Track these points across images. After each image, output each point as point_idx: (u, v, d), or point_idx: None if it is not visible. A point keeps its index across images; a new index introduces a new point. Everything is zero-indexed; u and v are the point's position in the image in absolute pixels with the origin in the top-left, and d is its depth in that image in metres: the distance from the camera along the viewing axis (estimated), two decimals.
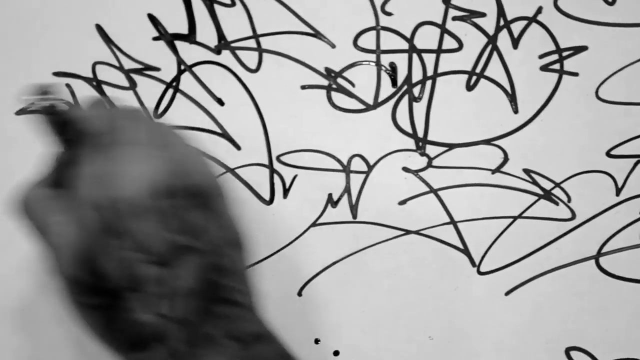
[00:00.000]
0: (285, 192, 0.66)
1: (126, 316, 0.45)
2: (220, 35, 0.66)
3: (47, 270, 0.48)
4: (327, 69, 0.66)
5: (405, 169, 0.67)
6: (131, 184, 0.45)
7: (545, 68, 0.66)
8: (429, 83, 0.66)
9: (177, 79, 0.66)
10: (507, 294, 0.64)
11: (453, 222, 0.66)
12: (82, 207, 0.45)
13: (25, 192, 0.50)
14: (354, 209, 0.66)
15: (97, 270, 0.45)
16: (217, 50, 0.67)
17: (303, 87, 0.66)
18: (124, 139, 0.48)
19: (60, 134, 0.49)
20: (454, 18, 0.66)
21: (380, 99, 0.66)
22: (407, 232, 0.66)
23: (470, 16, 0.66)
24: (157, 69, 0.66)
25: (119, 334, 0.46)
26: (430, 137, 0.67)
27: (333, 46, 0.66)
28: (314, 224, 0.66)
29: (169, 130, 0.52)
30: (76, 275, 0.46)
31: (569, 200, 0.66)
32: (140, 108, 0.61)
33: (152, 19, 0.66)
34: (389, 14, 0.66)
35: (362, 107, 0.66)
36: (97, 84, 0.65)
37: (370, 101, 0.66)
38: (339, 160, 0.66)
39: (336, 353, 0.62)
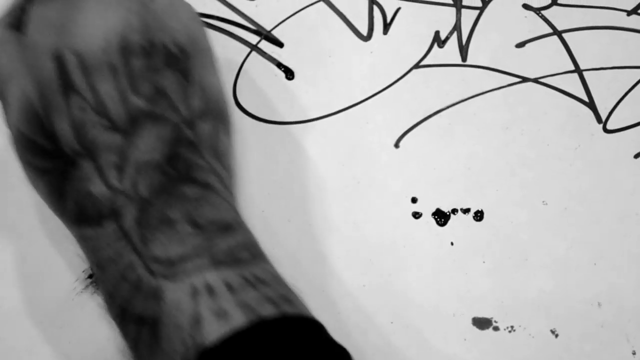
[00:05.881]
0: (386, 26, 0.59)
1: (77, 185, 0.40)
2: None
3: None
4: None
5: (526, 6, 0.59)
6: (94, 35, 0.39)
7: None
8: None
9: None
10: (636, 156, 0.55)
11: (578, 70, 0.58)
12: (37, 54, 0.40)
13: None
14: (463, 50, 0.59)
15: (49, 129, 0.39)
16: None
17: None
18: None
19: None
20: None
21: None
22: (525, 79, 0.58)
23: None
24: None
25: (69, 205, 0.40)
26: None
27: None
28: (416, 66, 0.58)
29: None
30: (26, 133, 0.40)
31: None
32: None
33: None
34: None
35: None
36: None
37: None
38: None
39: (437, 213, 0.54)
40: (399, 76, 0.58)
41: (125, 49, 0.39)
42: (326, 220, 0.54)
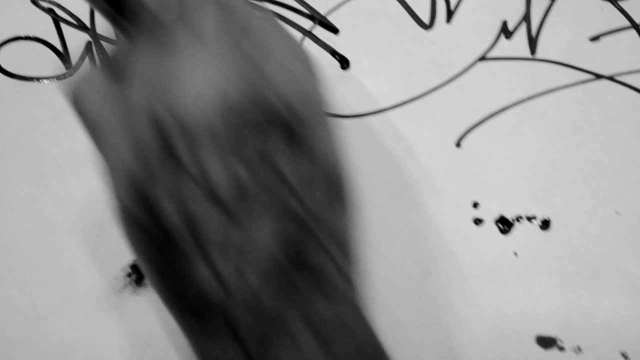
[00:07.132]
0: (450, 15, 0.56)
1: (179, 267, 0.35)
2: None
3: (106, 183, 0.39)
4: None
5: None
6: (194, 95, 0.34)
7: None
8: None
9: None
10: None
11: None
12: (136, 115, 0.35)
13: (79, 77, 0.39)
14: (533, 42, 0.55)
15: (150, 202, 0.35)
16: None
17: None
18: (193, 28, 0.36)
19: (111, 17, 0.38)
20: None
21: None
22: (599, 76, 0.54)
23: None
24: None
25: (172, 288, 0.36)
26: None
27: None
28: (482, 58, 0.55)
29: (262, 19, 0.39)
30: (127, 203, 0.36)
31: None
32: None
33: None
34: None
35: None
36: None
37: None
38: None
39: (500, 220, 0.51)
40: (462, 69, 0.55)
41: (227, 111, 0.34)
42: (380, 224, 0.51)
